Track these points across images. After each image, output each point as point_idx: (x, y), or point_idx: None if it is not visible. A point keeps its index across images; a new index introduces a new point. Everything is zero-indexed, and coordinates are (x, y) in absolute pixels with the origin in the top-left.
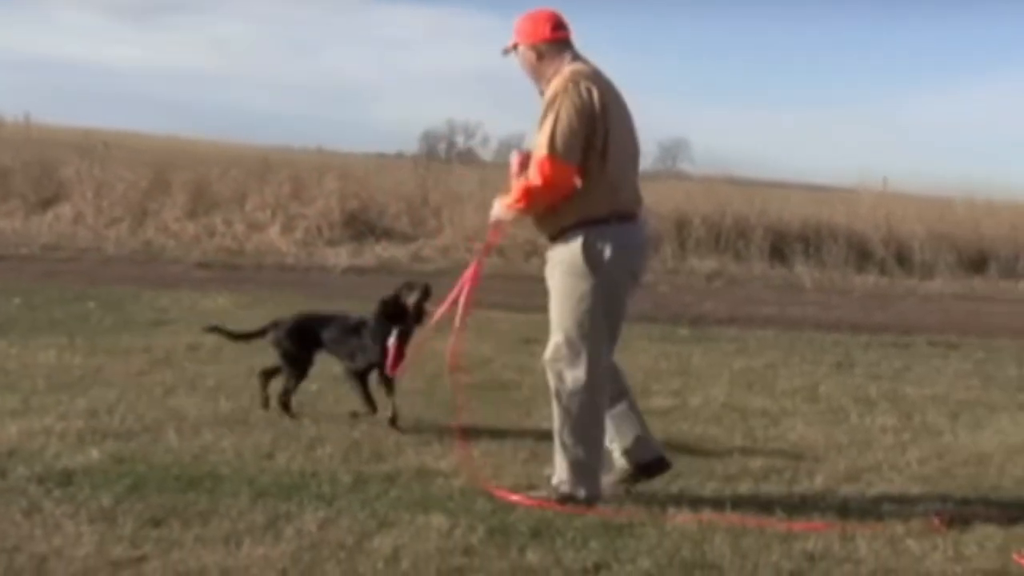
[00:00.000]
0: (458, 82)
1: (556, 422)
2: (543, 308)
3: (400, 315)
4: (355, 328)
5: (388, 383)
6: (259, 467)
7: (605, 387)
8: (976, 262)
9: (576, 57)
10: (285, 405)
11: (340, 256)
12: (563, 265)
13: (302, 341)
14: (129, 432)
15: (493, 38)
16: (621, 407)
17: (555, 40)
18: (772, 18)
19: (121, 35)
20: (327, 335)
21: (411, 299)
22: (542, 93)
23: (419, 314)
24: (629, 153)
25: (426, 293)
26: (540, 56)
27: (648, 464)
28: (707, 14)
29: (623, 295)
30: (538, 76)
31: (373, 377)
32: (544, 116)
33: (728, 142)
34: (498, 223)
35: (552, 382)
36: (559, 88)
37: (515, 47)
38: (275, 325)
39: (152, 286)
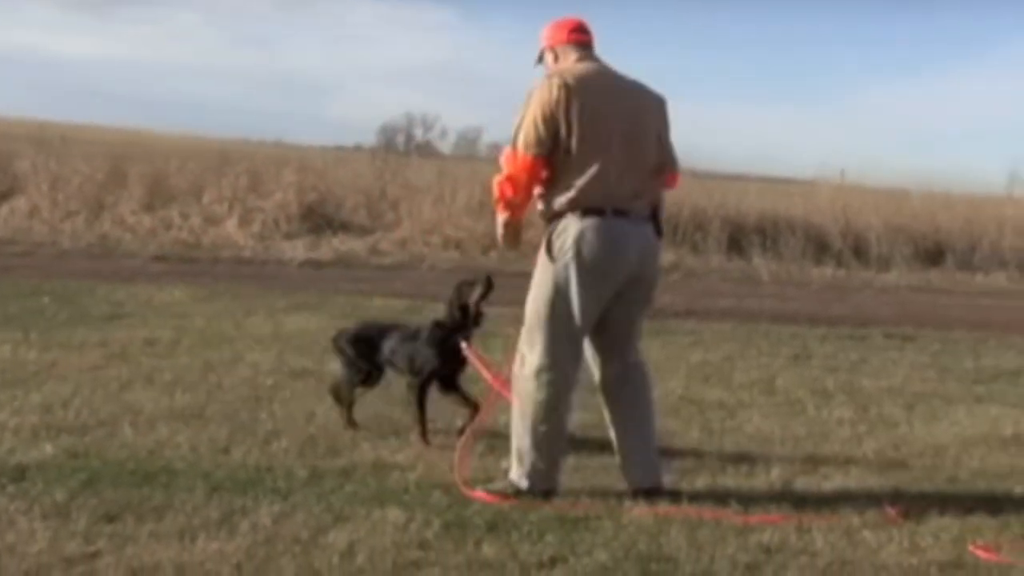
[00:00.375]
0: (416, 75)
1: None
2: (500, 302)
3: (465, 318)
4: (414, 337)
5: (457, 389)
6: (214, 462)
7: (562, 383)
8: (932, 254)
9: (584, 58)
10: (347, 416)
11: (297, 249)
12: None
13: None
14: (84, 427)
15: (451, 31)
16: (628, 418)
17: (570, 42)
18: (729, 12)
19: (77, 27)
20: (387, 346)
21: (474, 297)
22: None
23: (479, 313)
24: (602, 151)
25: (489, 286)
26: (556, 59)
27: (637, 491)
28: (664, 7)
29: (587, 289)
30: None
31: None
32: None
33: (686, 135)
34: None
35: (515, 367)
36: (536, 85)
37: (542, 54)
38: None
39: (108, 280)
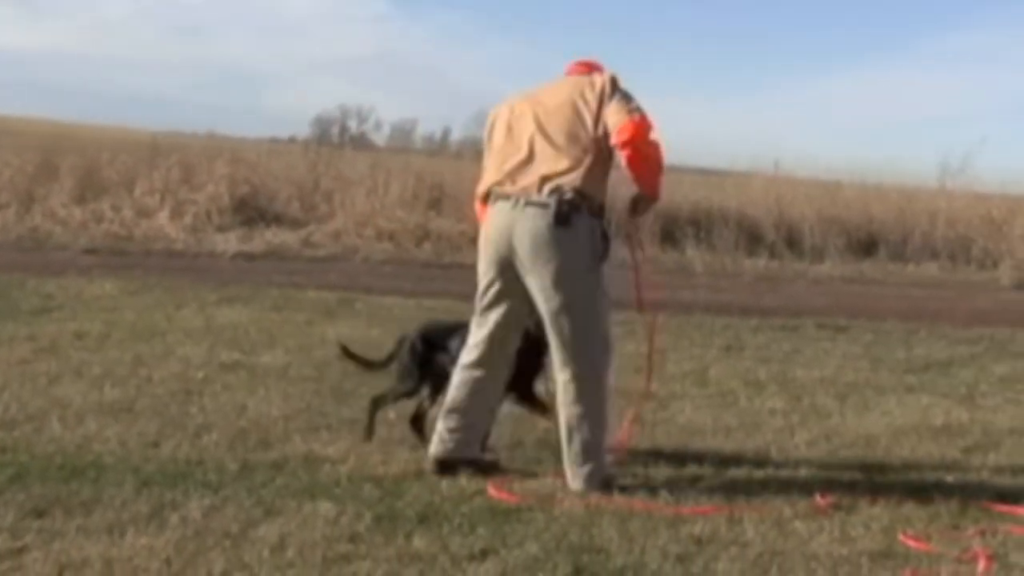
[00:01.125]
0: (351, 66)
1: None
2: (435, 293)
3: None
4: None
5: (534, 403)
6: (144, 456)
7: (469, 355)
8: (865, 245)
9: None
10: (371, 411)
11: (229, 242)
12: None
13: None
14: (12, 421)
15: (386, 22)
16: (562, 424)
17: (571, 74)
18: (661, 1)
19: (6, 17)
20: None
21: None
22: None
23: None
24: (498, 151)
25: None
26: None
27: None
28: None
29: (484, 270)
30: None
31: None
32: None
33: None
34: None
35: None
36: None
37: None
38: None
39: (38, 273)
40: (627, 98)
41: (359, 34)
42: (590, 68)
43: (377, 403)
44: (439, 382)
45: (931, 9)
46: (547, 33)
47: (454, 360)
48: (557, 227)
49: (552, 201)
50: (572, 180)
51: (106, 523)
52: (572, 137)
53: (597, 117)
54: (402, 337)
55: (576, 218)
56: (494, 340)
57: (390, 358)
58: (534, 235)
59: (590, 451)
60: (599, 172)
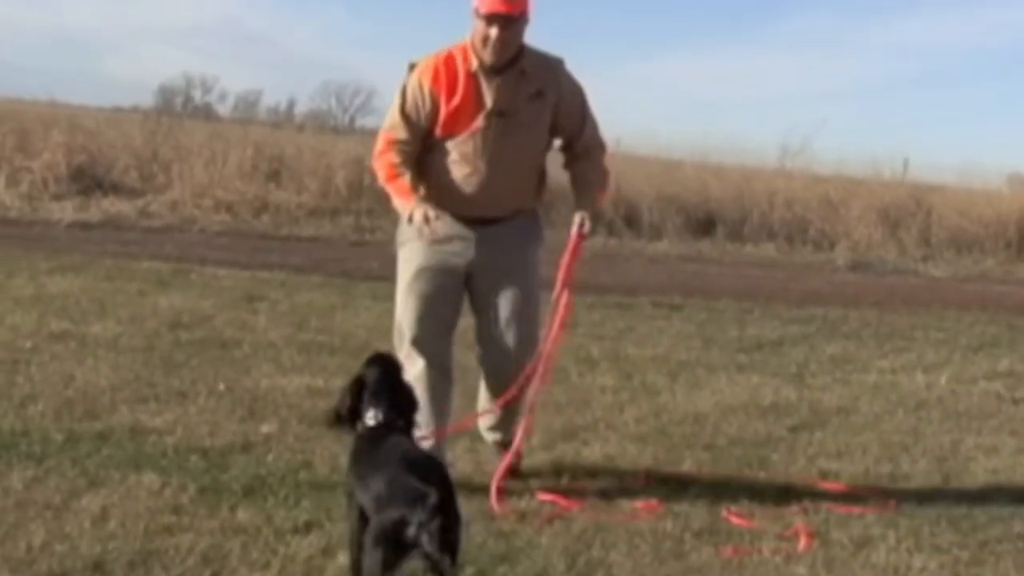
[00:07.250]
0: (197, 35)
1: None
2: (270, 266)
3: None
4: None
5: None
6: None
7: None
8: (704, 224)
9: None
10: None
11: (65, 210)
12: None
13: None
14: None
15: None
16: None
17: None
18: None
19: None
20: None
21: None
22: (493, 69)
23: None
24: None
25: None
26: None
27: None
28: None
29: None
30: (510, 53)
31: None
32: (581, 107)
33: None
34: None
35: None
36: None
37: (521, 14)
38: None
39: None
40: None
41: (205, 2)
42: None
43: None
44: None
45: None
46: (393, 4)
47: None
48: None
49: None
50: None
51: None
52: None
53: None
54: None
55: None
56: None
57: None
58: None
59: None
60: None
